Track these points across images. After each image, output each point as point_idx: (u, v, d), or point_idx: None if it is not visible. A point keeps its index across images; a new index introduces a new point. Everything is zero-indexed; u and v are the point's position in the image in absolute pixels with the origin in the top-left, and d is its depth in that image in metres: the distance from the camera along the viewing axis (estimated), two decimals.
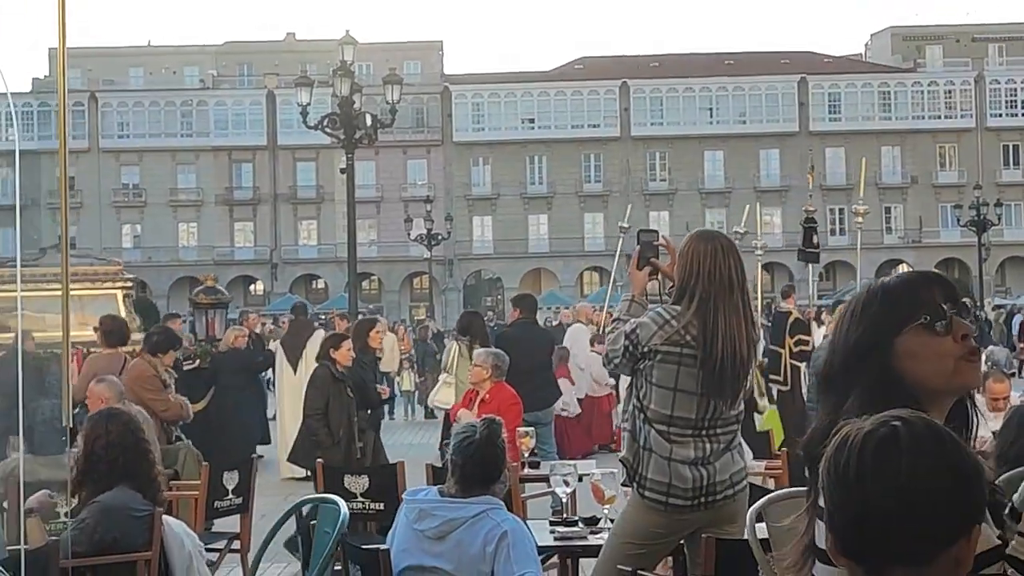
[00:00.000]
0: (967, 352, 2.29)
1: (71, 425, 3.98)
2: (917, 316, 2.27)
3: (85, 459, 5.38)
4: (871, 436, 1.82)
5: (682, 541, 5.06)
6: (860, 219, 17.41)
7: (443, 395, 12.03)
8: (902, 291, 2.33)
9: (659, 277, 5.19)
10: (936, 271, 2.52)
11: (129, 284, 14.73)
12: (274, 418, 16.83)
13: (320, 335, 14.77)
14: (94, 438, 5.40)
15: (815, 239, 16.35)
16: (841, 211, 68.44)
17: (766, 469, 8.22)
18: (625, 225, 21.59)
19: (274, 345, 18.54)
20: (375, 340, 11.11)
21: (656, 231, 5.37)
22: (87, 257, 17.15)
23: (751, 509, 3.60)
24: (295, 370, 14.51)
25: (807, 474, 2.12)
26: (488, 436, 4.62)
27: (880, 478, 1.78)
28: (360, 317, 13.73)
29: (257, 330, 22.57)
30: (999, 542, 2.03)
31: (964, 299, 2.36)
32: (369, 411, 10.56)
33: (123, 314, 14.05)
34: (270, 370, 19.73)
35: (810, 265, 17.40)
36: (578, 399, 16.45)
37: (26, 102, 64.49)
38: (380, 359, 11.07)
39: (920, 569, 1.78)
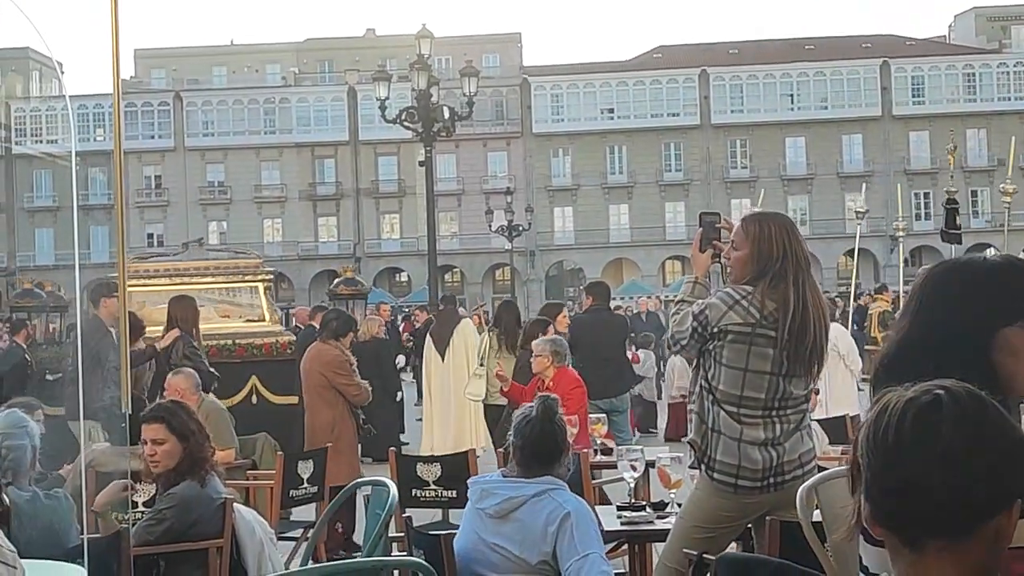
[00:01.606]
0: None
1: (130, 412, 4.01)
2: None
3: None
4: (912, 403, 1.76)
5: (749, 525, 5.00)
6: (1008, 199, 16.95)
7: (473, 387, 12.01)
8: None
9: (722, 259, 5.12)
10: None
11: (269, 277, 14.87)
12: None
13: (466, 323, 15.03)
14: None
15: (957, 220, 16.18)
16: (926, 195, 67.51)
17: (842, 453, 8.10)
18: (758, 209, 21.50)
19: None
20: (562, 324, 11.17)
21: (718, 213, 5.31)
22: (227, 251, 17.26)
23: (801, 487, 3.53)
24: (443, 358, 14.78)
25: None
26: (544, 411, 4.59)
27: (920, 446, 1.72)
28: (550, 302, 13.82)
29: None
30: None
31: None
32: None
33: (264, 305, 14.27)
34: (401, 357, 20.20)
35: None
36: None
37: (111, 102, 65.43)
38: None
39: (959, 541, 1.72)
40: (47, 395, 11.47)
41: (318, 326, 15.06)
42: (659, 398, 19.18)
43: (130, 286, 12.56)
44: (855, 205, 18.82)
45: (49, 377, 14.90)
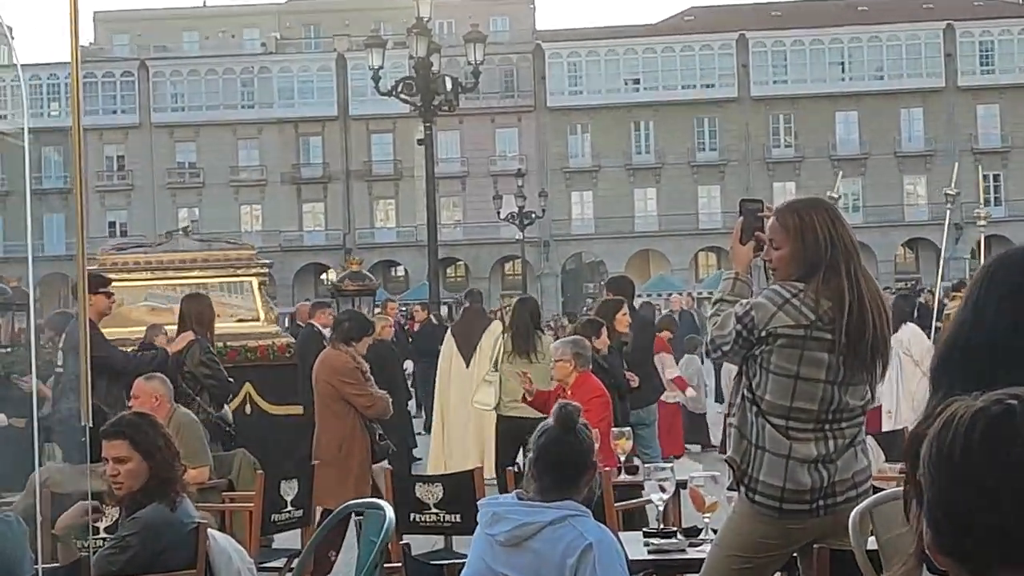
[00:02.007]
0: None
1: (90, 424, 4.01)
2: None
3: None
4: (981, 414, 1.76)
5: (795, 554, 5.00)
6: None
7: (482, 395, 11.89)
8: None
9: (762, 258, 5.10)
10: None
11: (264, 270, 14.79)
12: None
13: (496, 326, 14.96)
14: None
15: None
16: (996, 177, 67.38)
17: (900, 472, 8.09)
18: (835, 195, 21.26)
19: None
20: (622, 323, 11.05)
21: (761, 201, 5.28)
22: (216, 242, 17.21)
23: (854, 511, 3.54)
24: (467, 363, 14.56)
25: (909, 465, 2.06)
26: (563, 419, 4.54)
27: (990, 462, 1.72)
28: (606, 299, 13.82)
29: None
30: None
31: None
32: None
33: (259, 303, 14.25)
34: (409, 363, 20.27)
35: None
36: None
37: (68, 72, 65.60)
38: (626, 344, 10.99)
39: None
40: (19, 402, 11.44)
41: (318, 325, 15.06)
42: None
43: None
44: (946, 188, 18.53)
45: (18, 382, 14.95)
